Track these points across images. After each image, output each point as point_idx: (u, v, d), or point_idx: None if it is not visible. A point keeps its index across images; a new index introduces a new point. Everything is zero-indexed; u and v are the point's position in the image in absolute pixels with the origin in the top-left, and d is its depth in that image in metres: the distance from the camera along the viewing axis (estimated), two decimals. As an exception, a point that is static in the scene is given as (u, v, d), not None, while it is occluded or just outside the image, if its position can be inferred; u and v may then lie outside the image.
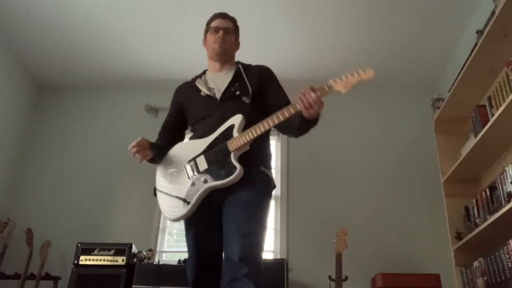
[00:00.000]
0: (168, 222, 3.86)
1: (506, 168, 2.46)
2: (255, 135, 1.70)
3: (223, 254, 1.74)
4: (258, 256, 1.64)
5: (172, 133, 2.05)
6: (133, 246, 3.19)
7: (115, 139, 4.12)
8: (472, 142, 2.78)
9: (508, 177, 2.42)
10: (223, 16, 2.08)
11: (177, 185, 1.81)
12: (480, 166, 2.99)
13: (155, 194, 1.89)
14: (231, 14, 2.13)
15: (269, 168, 1.89)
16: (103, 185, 3.93)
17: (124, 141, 4.15)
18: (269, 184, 1.85)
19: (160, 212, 3.80)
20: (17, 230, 3.40)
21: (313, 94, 1.59)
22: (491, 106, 2.61)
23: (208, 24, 2.09)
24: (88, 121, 4.23)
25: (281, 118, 1.68)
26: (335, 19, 3.44)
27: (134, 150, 1.80)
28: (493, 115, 2.48)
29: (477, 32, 2.75)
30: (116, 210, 3.83)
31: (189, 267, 1.78)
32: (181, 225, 3.87)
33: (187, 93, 2.02)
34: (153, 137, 4.31)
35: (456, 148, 3.16)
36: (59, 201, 3.87)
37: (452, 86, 3.08)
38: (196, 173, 1.77)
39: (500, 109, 2.35)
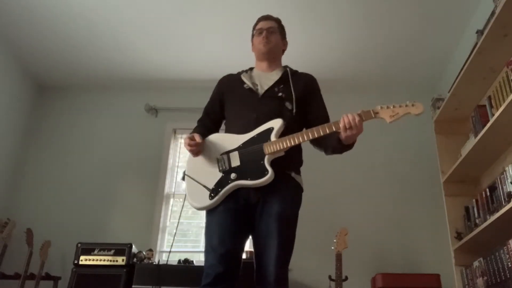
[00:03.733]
0: (168, 222, 3.87)
1: (506, 168, 2.45)
2: (293, 144, 1.73)
3: (255, 264, 1.75)
4: (287, 270, 1.73)
5: (211, 120, 2.08)
6: (133, 246, 3.19)
7: (115, 139, 4.13)
8: (472, 142, 2.78)
9: (508, 177, 2.42)
10: (266, 17, 2.11)
11: (207, 175, 1.82)
12: (480, 166, 2.99)
13: (183, 179, 1.89)
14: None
15: (299, 173, 1.91)
16: (103, 185, 3.93)
17: (124, 141, 4.21)
18: (300, 193, 1.88)
19: (160, 212, 3.81)
20: (17, 230, 3.40)
21: (356, 117, 1.63)
22: (491, 106, 2.61)
23: (253, 29, 2.12)
24: (88, 121, 4.23)
25: (321, 133, 1.72)
26: (335, 20, 3.43)
27: (191, 149, 1.83)
28: (493, 115, 2.48)
29: (477, 32, 2.75)
30: (116, 210, 3.83)
31: (212, 261, 1.69)
32: (181, 225, 3.89)
33: (231, 83, 2.05)
34: (153, 137, 4.33)
35: (456, 148, 3.16)
36: (59, 201, 3.87)
37: (452, 86, 3.08)
38: (227, 167, 1.79)
39: (500, 109, 2.34)
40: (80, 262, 3.12)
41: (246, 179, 1.73)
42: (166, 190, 3.93)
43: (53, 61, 4.01)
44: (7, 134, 3.90)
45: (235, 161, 1.78)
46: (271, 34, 2.03)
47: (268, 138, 1.75)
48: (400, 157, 3.90)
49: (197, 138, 1.82)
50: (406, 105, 1.62)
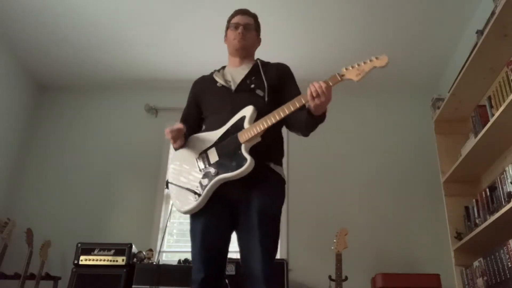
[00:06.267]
0: (168, 222, 3.86)
1: (506, 168, 2.45)
2: (266, 126, 1.69)
3: (241, 262, 1.72)
4: (273, 264, 1.69)
5: (191, 125, 2.01)
6: (133, 246, 3.19)
7: (115, 139, 4.13)
8: (472, 142, 2.78)
9: (508, 177, 2.42)
10: (243, 12, 2.08)
11: (189, 178, 1.80)
12: (480, 166, 2.99)
13: (167, 187, 1.88)
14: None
15: (280, 164, 1.87)
16: (103, 185, 3.93)
17: (124, 141, 4.22)
18: (282, 185, 1.84)
19: (160, 212, 3.81)
20: (17, 230, 3.40)
21: (322, 84, 1.58)
22: (491, 106, 2.61)
23: (229, 20, 2.09)
24: (88, 121, 4.23)
25: (292, 108, 1.67)
26: (335, 19, 3.43)
27: (171, 135, 1.77)
28: (493, 115, 2.48)
29: (477, 32, 2.75)
30: (116, 210, 3.83)
31: (197, 266, 1.71)
32: (180, 225, 3.89)
33: (204, 84, 2.04)
34: (153, 137, 4.32)
35: (456, 148, 3.16)
36: (59, 201, 3.87)
37: (452, 86, 3.08)
38: (207, 165, 1.76)
39: (500, 109, 2.35)
40: (80, 262, 3.12)
41: (227, 172, 1.70)
42: (166, 190, 3.92)
43: (53, 61, 4.01)
44: (7, 134, 3.90)
45: (214, 157, 1.76)
46: (248, 32, 2.01)
47: (242, 127, 1.73)
48: (400, 157, 3.89)
49: (180, 126, 1.79)
50: (371, 60, 1.57)
